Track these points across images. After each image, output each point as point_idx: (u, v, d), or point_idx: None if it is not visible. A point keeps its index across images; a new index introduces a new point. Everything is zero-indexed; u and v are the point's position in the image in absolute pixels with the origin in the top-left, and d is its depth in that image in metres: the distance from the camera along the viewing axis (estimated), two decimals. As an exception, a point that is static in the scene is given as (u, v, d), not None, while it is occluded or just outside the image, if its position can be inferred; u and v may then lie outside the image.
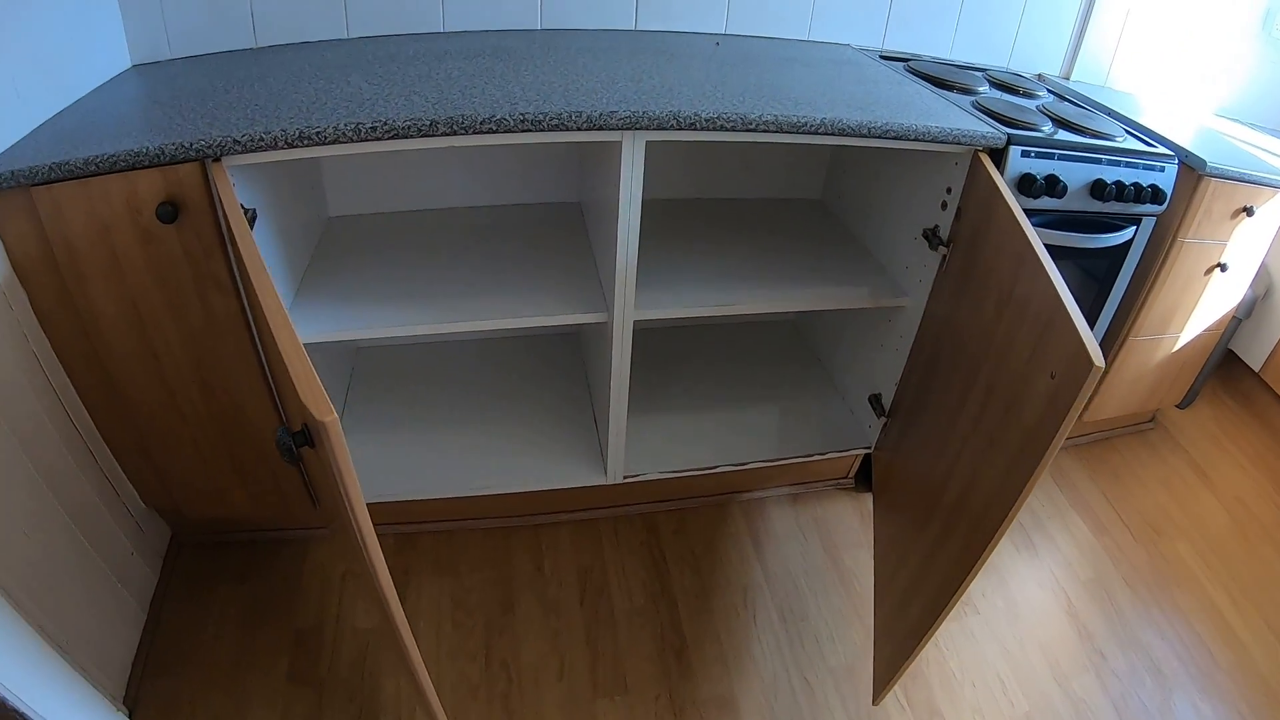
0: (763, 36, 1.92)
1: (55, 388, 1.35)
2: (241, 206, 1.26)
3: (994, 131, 1.46)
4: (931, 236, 1.58)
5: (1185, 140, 1.87)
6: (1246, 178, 1.83)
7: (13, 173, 1.12)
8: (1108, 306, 1.91)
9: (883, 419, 1.83)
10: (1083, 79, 2.26)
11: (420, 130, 1.23)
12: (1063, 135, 1.61)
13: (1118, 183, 1.64)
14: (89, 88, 1.44)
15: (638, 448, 1.83)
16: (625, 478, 1.78)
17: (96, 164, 1.14)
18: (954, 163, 1.51)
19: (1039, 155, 1.53)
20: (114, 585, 1.50)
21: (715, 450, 1.85)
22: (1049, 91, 1.98)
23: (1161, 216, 1.77)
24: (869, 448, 1.92)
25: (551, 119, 1.26)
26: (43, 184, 1.14)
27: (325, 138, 1.21)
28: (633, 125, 1.30)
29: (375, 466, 1.74)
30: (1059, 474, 2.24)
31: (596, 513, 1.93)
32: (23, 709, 1.11)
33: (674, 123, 1.31)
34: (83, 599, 1.39)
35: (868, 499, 2.05)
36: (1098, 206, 1.65)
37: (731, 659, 1.65)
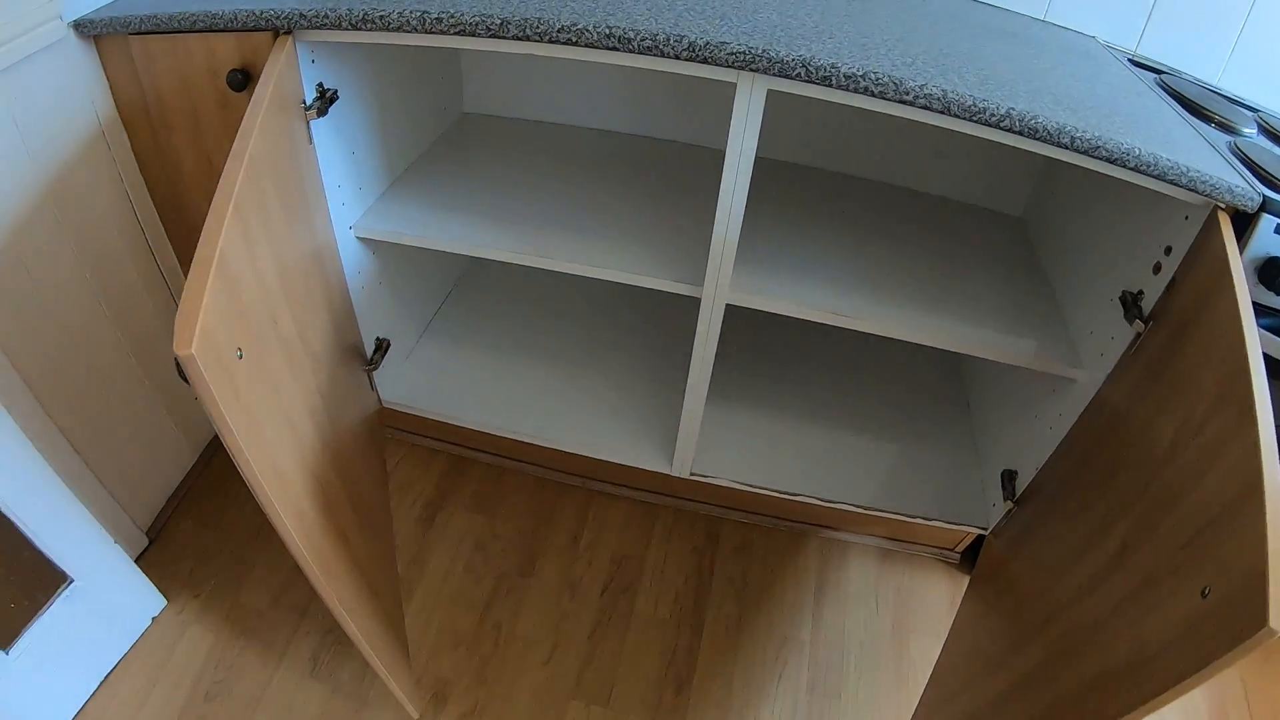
0: (987, 3, 1.49)
1: (142, 223, 1.38)
2: (320, 86, 1.17)
3: (1245, 187, 1.00)
4: (1131, 303, 1.16)
5: None
6: None
7: (112, 19, 1.15)
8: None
9: (1009, 504, 1.43)
10: None
11: (489, 29, 1.04)
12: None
13: None
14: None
15: (716, 444, 1.58)
16: (692, 474, 1.54)
17: (179, 21, 1.13)
18: (1184, 215, 1.07)
19: None
20: (167, 422, 1.52)
21: (804, 473, 1.55)
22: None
23: None
24: (985, 529, 1.53)
25: (644, 40, 1.01)
26: (138, 34, 1.16)
27: (390, 24, 1.06)
28: (748, 65, 1.01)
29: (442, 380, 1.64)
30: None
31: (660, 499, 1.72)
32: (13, 517, 1.13)
33: (803, 71, 1.00)
34: (131, 428, 1.43)
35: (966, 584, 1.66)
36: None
37: (734, 714, 1.40)
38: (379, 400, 1.57)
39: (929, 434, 1.67)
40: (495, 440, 1.69)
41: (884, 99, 1.02)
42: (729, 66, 1.02)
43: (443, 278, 1.82)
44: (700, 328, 1.30)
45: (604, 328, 1.80)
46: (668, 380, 1.70)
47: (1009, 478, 1.47)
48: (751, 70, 1.02)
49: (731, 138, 1.10)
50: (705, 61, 1.02)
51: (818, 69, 1.00)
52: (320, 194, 1.21)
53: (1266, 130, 1.36)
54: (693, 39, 1.01)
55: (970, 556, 1.68)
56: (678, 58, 1.02)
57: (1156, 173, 1.00)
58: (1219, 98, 1.41)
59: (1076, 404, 1.26)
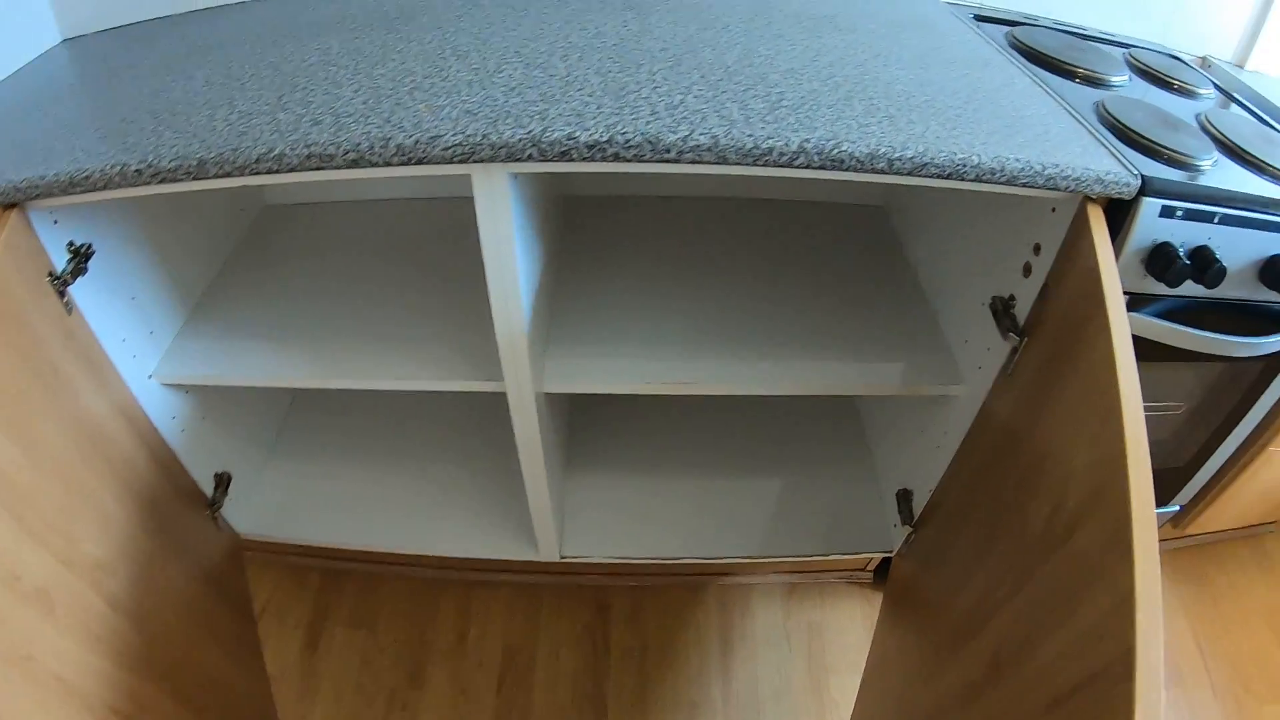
0: None
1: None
2: (72, 245, 0.98)
3: (1117, 171, 0.87)
4: (1002, 311, 1.03)
5: None
6: None
7: None
8: (1251, 414, 1.24)
9: (907, 528, 1.31)
10: (1263, 67, 1.47)
11: (188, 173, 0.86)
12: (1232, 173, 0.96)
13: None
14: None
15: (584, 522, 1.44)
16: (563, 557, 1.41)
17: None
18: (1050, 208, 0.94)
19: (1189, 215, 0.91)
20: None
21: (685, 534, 1.42)
22: (1216, 88, 1.26)
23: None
24: (890, 552, 1.41)
25: (347, 153, 0.85)
26: None
27: (96, 183, 0.87)
28: (470, 157, 0.86)
29: (297, 502, 1.48)
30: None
31: (541, 578, 1.58)
32: None
33: (534, 151, 0.85)
34: None
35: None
36: (1269, 296, 1.01)
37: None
38: (236, 536, 1.42)
39: (821, 463, 1.55)
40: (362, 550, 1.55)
41: (642, 161, 0.87)
42: (450, 162, 0.87)
43: (276, 394, 1.65)
44: (515, 420, 1.16)
45: (450, 422, 1.64)
46: (519, 469, 1.55)
47: (905, 498, 1.35)
48: (477, 161, 0.87)
49: (483, 233, 0.95)
50: (422, 162, 0.87)
51: (551, 145, 0.85)
52: (101, 357, 1.04)
53: (1140, 70, 1.24)
54: (401, 140, 0.85)
55: (885, 572, 1.57)
56: (388, 164, 0.86)
57: (1004, 179, 0.86)
58: (1084, 42, 1.27)
59: (962, 420, 1.14)
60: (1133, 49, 1.32)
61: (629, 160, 0.85)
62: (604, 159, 0.86)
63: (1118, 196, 0.88)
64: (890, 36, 1.13)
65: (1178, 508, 1.41)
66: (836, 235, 1.46)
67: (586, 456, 1.53)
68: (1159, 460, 1.30)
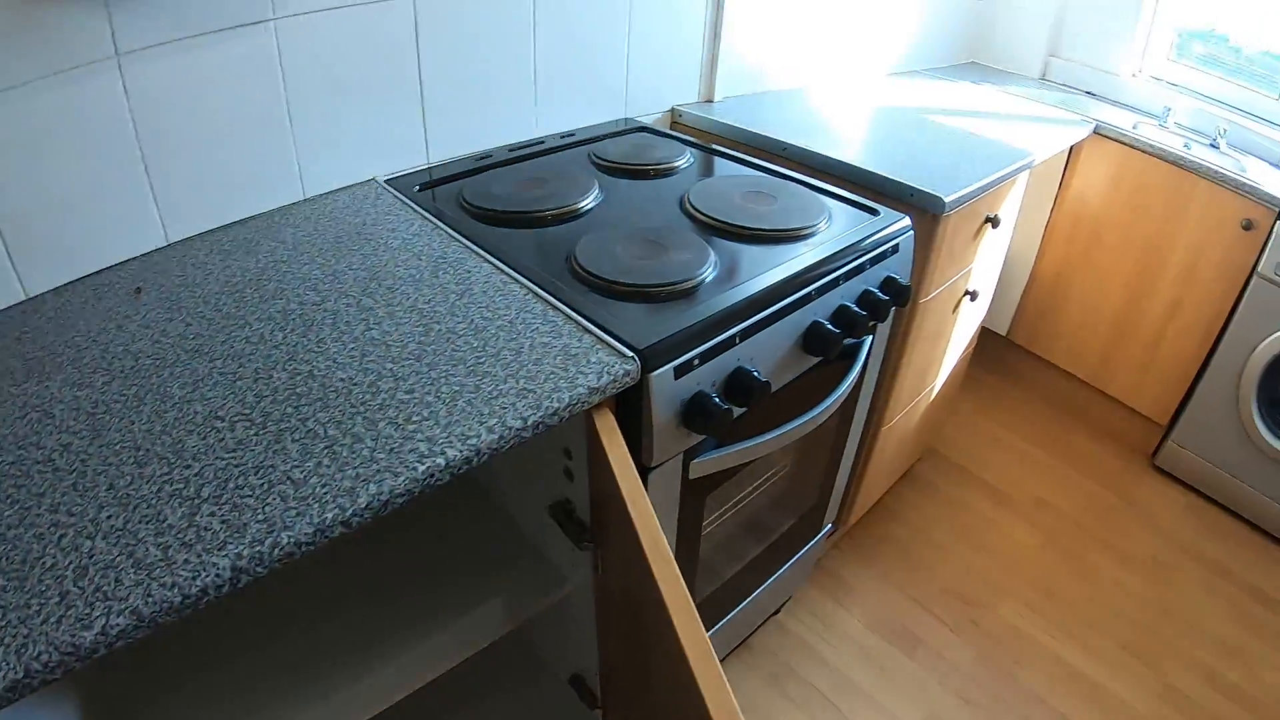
0: (228, 223, 1.06)
1: None
2: None
3: (612, 365, 0.76)
4: (566, 519, 0.87)
5: (903, 166, 1.29)
6: (990, 185, 1.30)
7: None
8: (855, 421, 1.31)
9: (597, 710, 1.13)
10: (732, 91, 1.60)
11: None
12: (736, 261, 0.92)
13: (843, 320, 0.99)
14: None
15: None
16: None
17: None
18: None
19: (709, 354, 0.83)
20: None
21: None
22: (690, 147, 1.30)
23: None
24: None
25: None
26: None
27: None
28: None
29: None
30: (844, 593, 1.67)
31: None
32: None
33: None
34: None
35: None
36: (812, 362, 1.00)
37: None
38: None
39: (491, 673, 1.30)
40: None
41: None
42: None
43: None
44: None
45: None
46: None
47: (578, 682, 1.17)
48: None
49: None
50: None
51: None
52: None
53: (609, 168, 1.18)
54: None
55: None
56: None
57: (507, 444, 0.67)
58: (536, 166, 1.18)
59: (586, 602, 0.96)
60: (594, 145, 1.28)
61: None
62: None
63: (621, 386, 0.78)
64: (302, 273, 0.93)
65: (829, 526, 1.45)
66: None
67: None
68: (793, 510, 1.30)
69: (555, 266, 0.92)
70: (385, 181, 1.16)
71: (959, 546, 1.76)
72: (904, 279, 1.10)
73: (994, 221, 1.45)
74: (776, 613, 1.54)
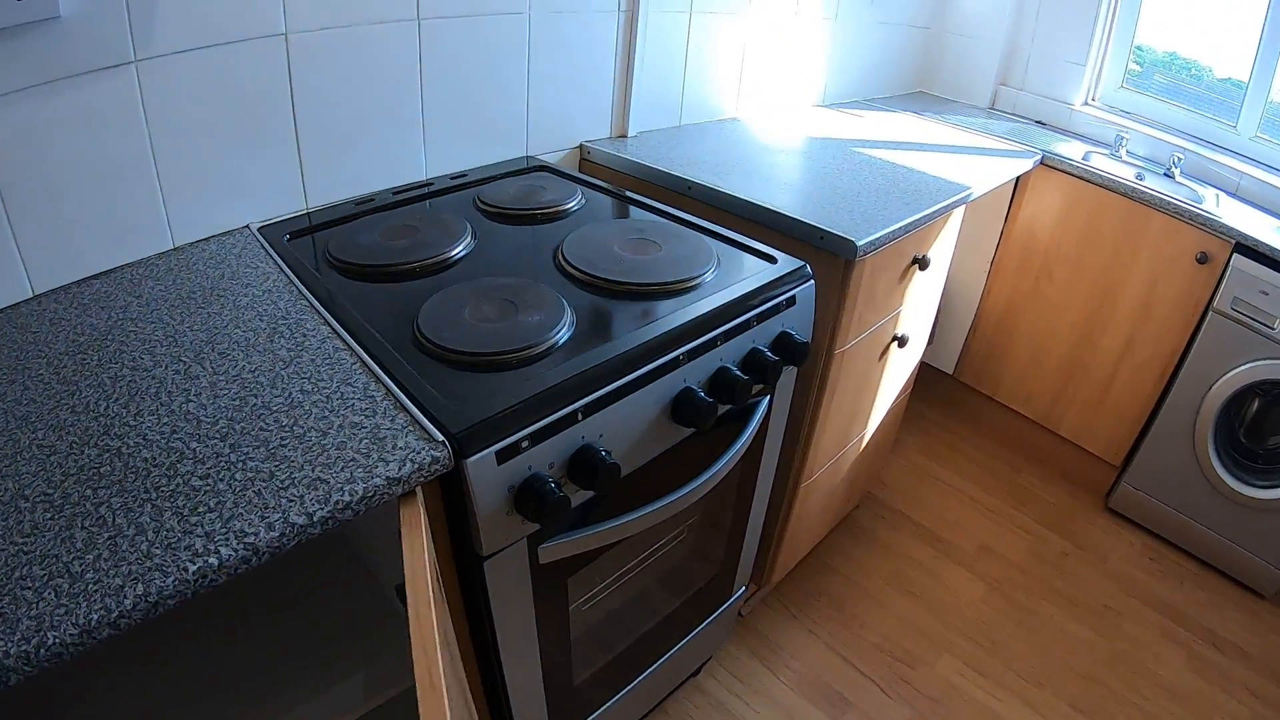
0: (95, 273, 0.97)
1: None
2: None
3: (417, 451, 0.68)
4: (403, 603, 0.76)
5: (819, 206, 1.20)
6: (917, 223, 1.21)
7: None
8: (761, 478, 1.21)
9: None
10: (649, 125, 1.52)
11: None
12: (595, 353, 0.82)
13: (722, 385, 0.90)
14: None
15: None
16: None
17: None
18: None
19: (550, 430, 0.73)
20: None
21: None
22: (589, 188, 1.22)
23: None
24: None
25: None
26: None
27: None
28: None
29: None
30: (769, 651, 1.56)
31: None
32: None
33: None
34: None
35: None
36: (686, 433, 0.90)
37: None
38: None
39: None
40: None
41: None
42: None
43: None
44: None
45: None
46: None
47: None
48: None
49: None
50: None
51: None
52: None
53: (493, 213, 1.10)
54: None
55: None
56: None
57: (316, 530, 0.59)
58: (418, 204, 1.09)
59: None
60: (483, 188, 1.19)
61: None
62: None
63: (441, 472, 0.68)
64: (142, 338, 0.83)
65: (742, 589, 1.35)
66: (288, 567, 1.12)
67: None
68: (698, 575, 1.20)
69: (399, 329, 0.82)
70: (259, 229, 1.07)
71: (896, 598, 1.66)
72: (802, 335, 1.01)
73: (922, 263, 1.35)
74: (696, 673, 1.44)
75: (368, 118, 1.14)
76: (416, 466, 0.66)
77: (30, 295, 0.90)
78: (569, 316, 0.84)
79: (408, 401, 0.72)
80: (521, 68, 1.29)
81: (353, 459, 0.67)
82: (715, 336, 0.89)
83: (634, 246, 1.01)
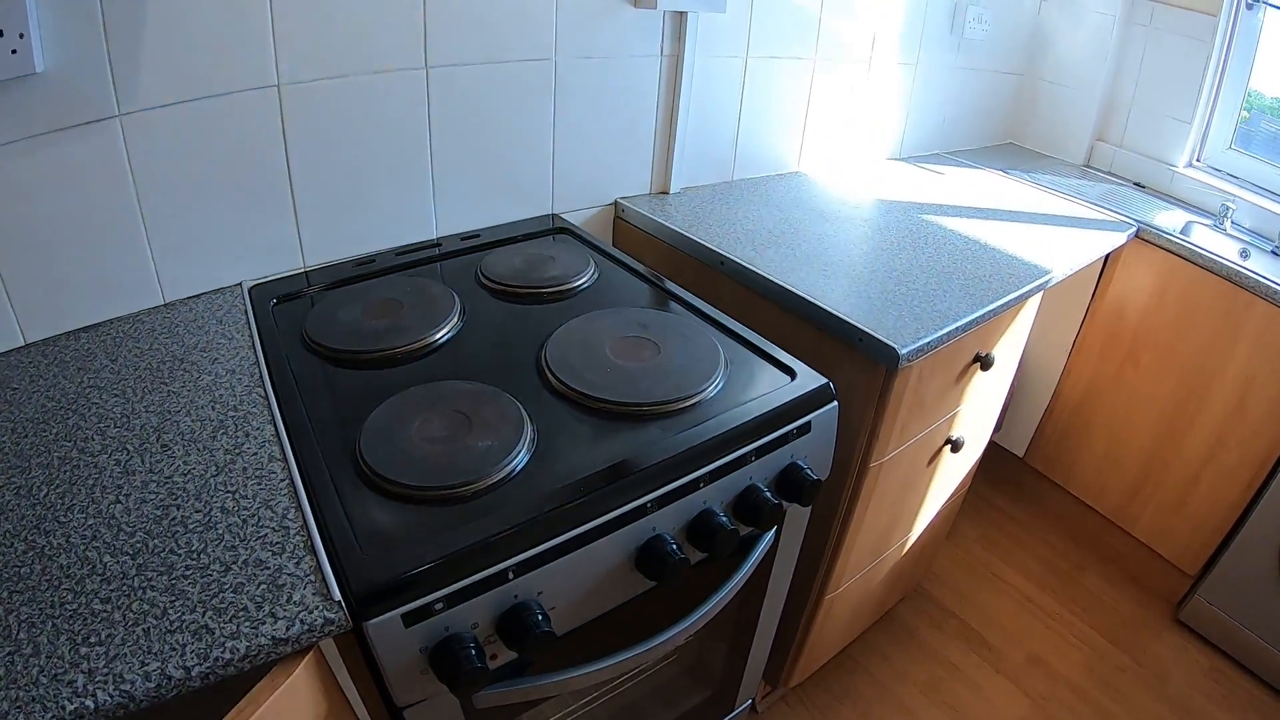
0: (84, 326, 0.94)
1: None
2: None
3: (293, 628, 0.60)
4: None
5: (865, 293, 1.06)
6: (976, 323, 1.04)
7: None
8: (769, 603, 1.07)
9: None
10: (696, 180, 1.40)
11: None
12: (548, 496, 0.71)
13: (703, 532, 0.78)
14: None
15: None
16: None
17: None
18: None
19: (466, 593, 0.63)
20: None
21: None
22: (604, 259, 1.12)
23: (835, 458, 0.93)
24: None
25: None
26: None
27: None
28: None
29: None
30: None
31: None
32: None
33: None
34: None
35: None
36: (652, 585, 0.78)
37: None
38: None
39: None
40: None
41: None
42: None
43: None
44: None
45: None
46: None
47: None
48: None
49: None
50: None
51: None
52: None
53: (493, 289, 1.04)
54: None
55: None
56: None
57: (115, 706, 0.53)
58: (420, 272, 1.01)
59: None
60: (489, 254, 1.10)
61: None
62: None
63: (339, 632, 0.59)
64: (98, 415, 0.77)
65: (748, 701, 1.21)
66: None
67: None
68: (690, 694, 1.08)
69: (345, 436, 0.74)
70: (250, 288, 1.01)
71: (929, 712, 1.48)
72: (815, 470, 0.86)
73: (984, 362, 1.18)
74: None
75: (370, 173, 1.06)
76: (306, 628, 0.57)
77: (22, 344, 0.88)
78: (527, 438, 0.73)
79: (319, 542, 0.63)
80: (546, 118, 1.18)
81: (244, 608, 0.58)
82: (699, 477, 0.76)
83: (629, 348, 0.89)
